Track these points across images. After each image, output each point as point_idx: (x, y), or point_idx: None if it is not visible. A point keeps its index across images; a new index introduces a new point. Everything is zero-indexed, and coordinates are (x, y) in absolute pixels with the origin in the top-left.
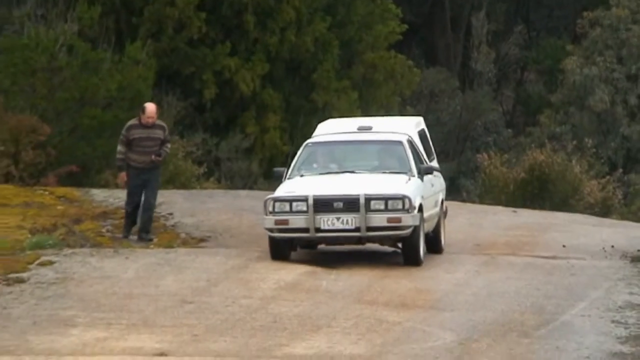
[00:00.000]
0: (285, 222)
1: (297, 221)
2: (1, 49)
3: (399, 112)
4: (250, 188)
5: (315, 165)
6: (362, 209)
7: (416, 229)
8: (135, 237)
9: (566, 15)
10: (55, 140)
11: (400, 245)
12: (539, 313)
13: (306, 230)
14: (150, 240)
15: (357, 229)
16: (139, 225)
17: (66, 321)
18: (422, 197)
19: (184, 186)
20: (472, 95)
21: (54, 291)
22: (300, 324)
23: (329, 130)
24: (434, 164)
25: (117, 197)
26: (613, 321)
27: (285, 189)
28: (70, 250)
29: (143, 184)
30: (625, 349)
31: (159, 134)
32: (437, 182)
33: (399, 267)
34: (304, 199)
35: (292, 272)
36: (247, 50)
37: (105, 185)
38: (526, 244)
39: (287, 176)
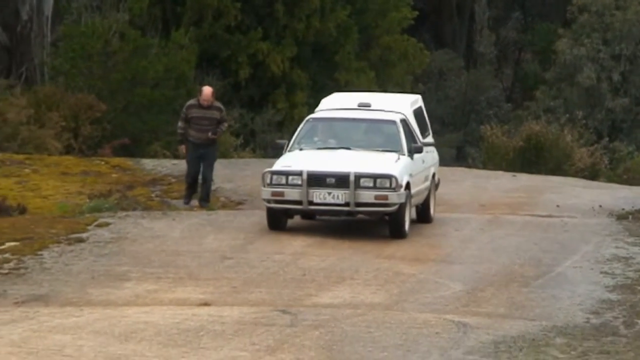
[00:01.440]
0: (281, 194)
1: (291, 194)
2: (62, 36)
3: (411, 89)
4: None
5: (314, 140)
6: (352, 185)
7: (402, 206)
8: (194, 203)
9: (558, 2)
10: (110, 116)
11: (387, 218)
12: (536, 265)
13: (300, 202)
14: (208, 207)
15: (347, 204)
16: (200, 194)
17: (121, 276)
18: (411, 174)
19: (224, 155)
20: (476, 73)
21: (109, 249)
22: (326, 276)
23: (331, 105)
24: (429, 139)
25: (164, 166)
26: (602, 272)
27: (282, 163)
28: (124, 213)
29: (200, 158)
30: (613, 296)
31: (215, 114)
32: (428, 158)
33: (412, 227)
34: (299, 174)
35: (318, 232)
36: (277, 35)
37: (154, 155)
38: (525, 204)
39: (288, 149)
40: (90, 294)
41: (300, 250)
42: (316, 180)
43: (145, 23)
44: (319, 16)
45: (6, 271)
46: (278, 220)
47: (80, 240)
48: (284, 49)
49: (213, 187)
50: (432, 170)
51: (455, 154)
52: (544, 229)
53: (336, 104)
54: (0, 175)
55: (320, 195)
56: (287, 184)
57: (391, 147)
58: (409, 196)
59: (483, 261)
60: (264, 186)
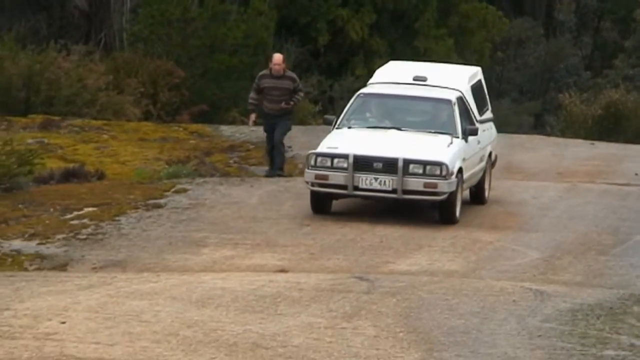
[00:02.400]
0: (325, 177)
1: (336, 177)
2: (141, 2)
3: (490, 57)
4: None
5: (364, 117)
6: (400, 171)
7: (452, 194)
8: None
9: None
10: (188, 83)
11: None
12: (614, 234)
13: (344, 187)
14: (282, 174)
15: (394, 191)
16: (274, 163)
17: (198, 242)
18: (464, 159)
19: (302, 122)
20: (555, 42)
21: (187, 215)
22: (403, 243)
23: (386, 77)
24: (487, 114)
25: (242, 133)
26: None
27: (328, 144)
28: (201, 179)
29: (273, 128)
30: None
31: (287, 84)
32: (485, 136)
33: (491, 192)
34: (345, 157)
35: None
36: (356, 2)
37: (232, 122)
38: (603, 172)
39: (336, 125)
40: (168, 259)
41: (378, 217)
42: (363, 164)
43: None
44: None
45: (84, 236)
46: (322, 203)
47: (158, 206)
48: (363, 15)
49: (290, 154)
50: (489, 149)
51: (533, 122)
52: (622, 197)
53: (390, 77)
54: (79, 141)
55: (366, 181)
56: (332, 167)
57: (445, 128)
58: (460, 182)
59: (560, 229)
60: (308, 168)
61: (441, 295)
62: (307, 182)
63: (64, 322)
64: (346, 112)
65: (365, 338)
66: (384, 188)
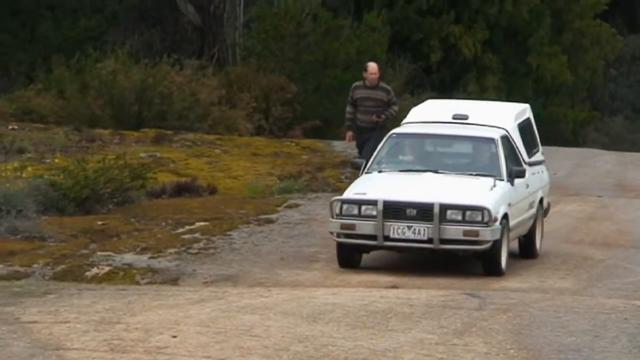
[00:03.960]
0: (352, 226)
1: (364, 227)
2: (254, 17)
3: (603, 74)
4: None
5: (397, 160)
6: (437, 218)
7: (496, 243)
8: None
9: None
10: (300, 98)
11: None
12: None
13: (374, 237)
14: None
15: (430, 240)
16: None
17: (310, 257)
18: (509, 204)
19: None
20: None
21: (299, 230)
22: (515, 261)
23: (422, 116)
24: (537, 156)
25: (354, 149)
26: None
27: (355, 190)
28: (313, 195)
29: (364, 143)
30: None
31: (381, 95)
32: (535, 180)
33: (603, 210)
34: (374, 203)
35: None
36: (469, 19)
37: (344, 137)
38: None
39: (366, 170)
40: (279, 274)
41: None
42: (394, 211)
43: (338, 4)
44: (512, 0)
45: (195, 251)
46: (350, 257)
47: (270, 221)
48: (475, 32)
49: None
50: (540, 194)
51: None
52: None
53: (427, 115)
54: (192, 155)
55: (398, 230)
56: (359, 215)
57: (488, 170)
58: (505, 230)
59: None
60: (332, 217)
61: (552, 312)
62: (331, 233)
63: (175, 336)
64: (376, 154)
65: (476, 355)
66: (418, 237)
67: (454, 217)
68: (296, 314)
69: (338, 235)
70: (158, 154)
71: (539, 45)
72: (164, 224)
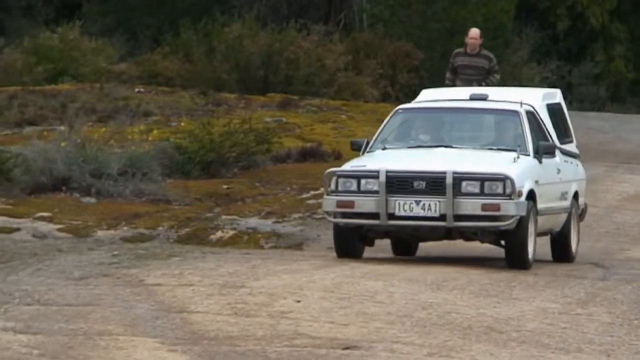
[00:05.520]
0: (350, 204)
1: (364, 204)
2: None
3: None
4: (598, 110)
5: (404, 138)
6: (450, 190)
7: (522, 221)
8: None
9: None
10: (427, 65)
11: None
12: None
13: (376, 216)
14: None
15: (442, 217)
16: None
17: None
18: (537, 182)
19: None
20: None
21: None
22: None
23: (434, 97)
24: (571, 147)
25: None
26: None
27: (353, 162)
28: None
29: None
30: None
31: (482, 63)
32: (568, 169)
33: None
34: (375, 175)
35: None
36: None
37: None
38: None
39: (367, 149)
40: None
41: (615, 204)
42: (399, 183)
43: None
44: None
45: (320, 216)
46: (348, 242)
47: None
48: (603, 1)
49: None
50: (574, 187)
51: None
52: None
53: (440, 96)
54: (317, 120)
55: (404, 206)
56: (358, 190)
57: (511, 145)
58: (533, 210)
59: None
60: (327, 194)
61: None
62: (326, 213)
63: (298, 301)
64: (380, 132)
65: (599, 325)
66: (428, 214)
67: (470, 189)
68: (420, 281)
69: (334, 215)
70: (284, 119)
71: None
72: (288, 188)
